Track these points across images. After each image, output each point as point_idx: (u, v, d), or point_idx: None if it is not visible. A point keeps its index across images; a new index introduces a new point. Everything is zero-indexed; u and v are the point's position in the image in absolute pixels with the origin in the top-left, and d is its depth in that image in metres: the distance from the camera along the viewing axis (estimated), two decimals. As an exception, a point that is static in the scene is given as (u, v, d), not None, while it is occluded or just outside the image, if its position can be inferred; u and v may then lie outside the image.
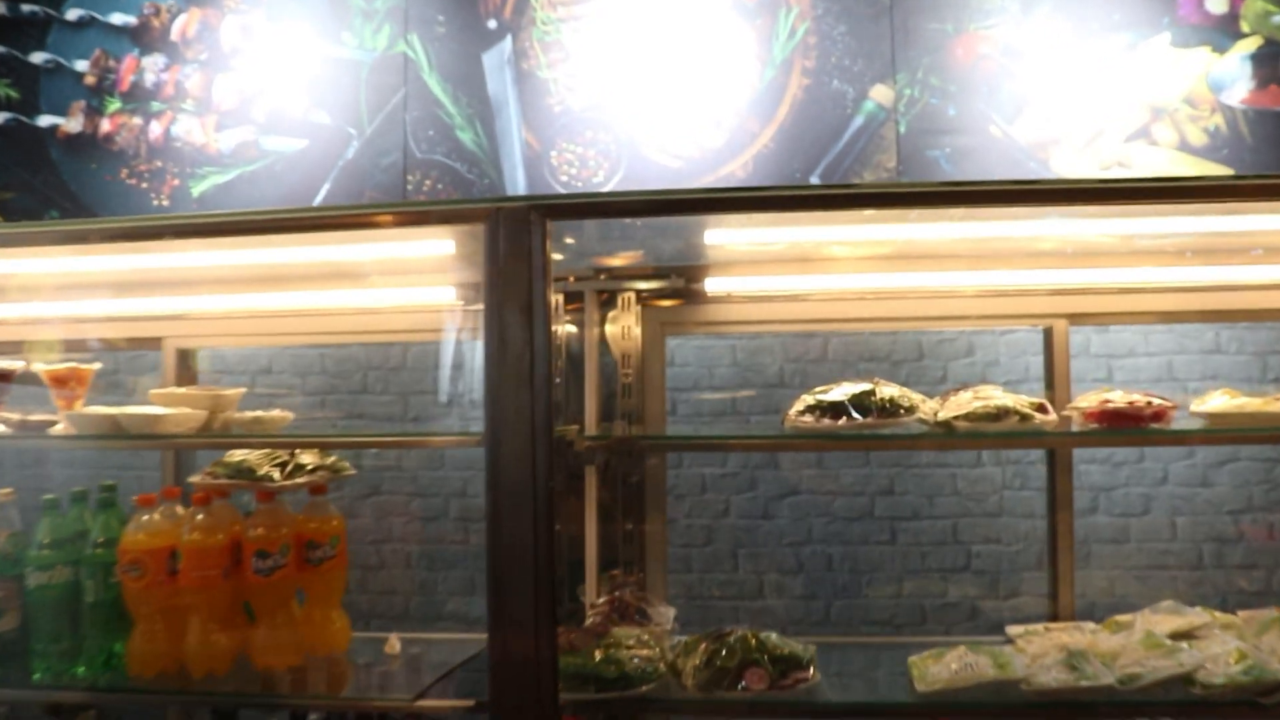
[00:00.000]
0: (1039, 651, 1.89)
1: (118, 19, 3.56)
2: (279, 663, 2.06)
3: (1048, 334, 2.26)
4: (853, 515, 3.28)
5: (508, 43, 3.35)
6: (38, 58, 3.55)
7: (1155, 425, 1.81)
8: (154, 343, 2.57)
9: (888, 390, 1.85)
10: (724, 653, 1.82)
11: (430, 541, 3.37)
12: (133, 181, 3.53)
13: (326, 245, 1.98)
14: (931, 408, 1.92)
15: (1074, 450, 2.38)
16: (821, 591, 3.28)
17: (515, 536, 1.65)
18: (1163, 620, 1.99)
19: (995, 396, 1.90)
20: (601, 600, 2.15)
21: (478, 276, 1.74)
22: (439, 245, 1.97)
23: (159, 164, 3.53)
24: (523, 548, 1.65)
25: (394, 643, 2.20)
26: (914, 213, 1.97)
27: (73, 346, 2.49)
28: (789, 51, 3.22)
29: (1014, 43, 3.14)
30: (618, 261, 2.35)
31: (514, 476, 1.65)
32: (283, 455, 2.10)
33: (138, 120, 3.54)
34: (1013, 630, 2.14)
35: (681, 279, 2.24)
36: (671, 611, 2.17)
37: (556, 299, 2.28)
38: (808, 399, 1.90)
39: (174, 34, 3.53)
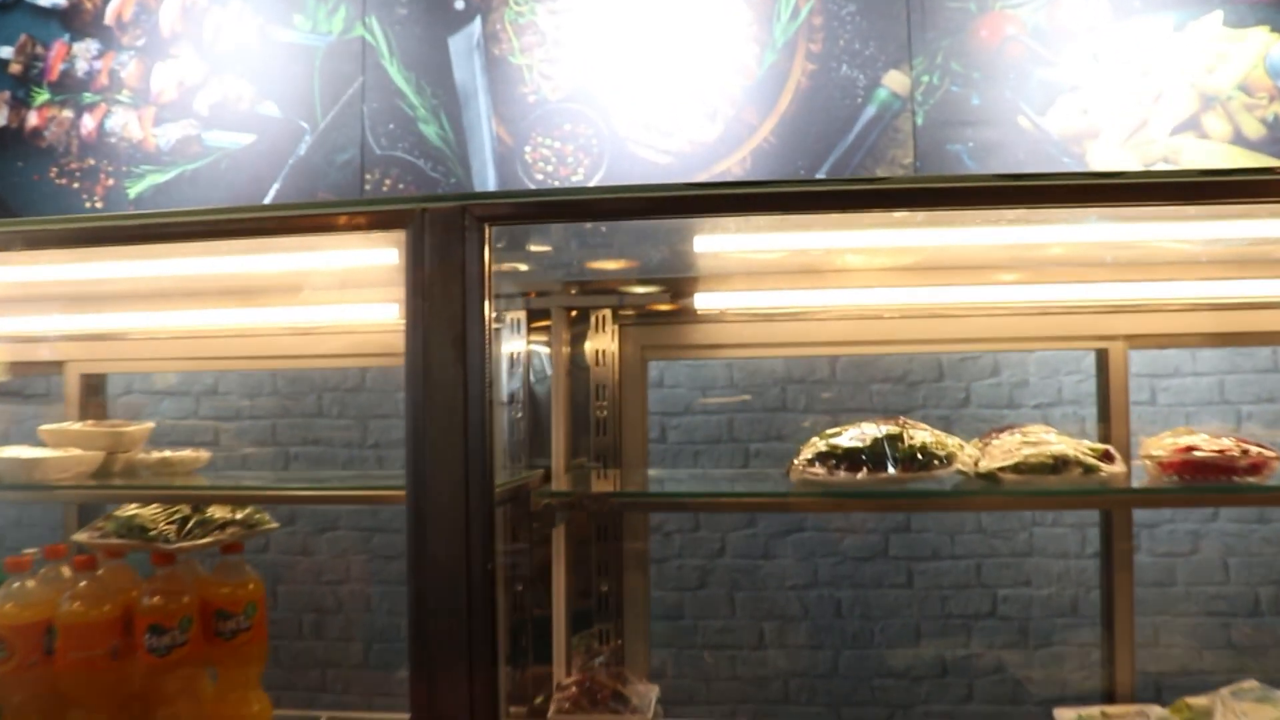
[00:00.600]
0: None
1: (45, 0, 3.20)
2: (178, 762, 1.71)
3: (1102, 358, 1.91)
4: (864, 555, 2.92)
5: (477, 25, 3.00)
6: (-45, 44, 3.20)
7: (1252, 479, 1.45)
8: (54, 367, 2.21)
9: (918, 435, 1.50)
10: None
11: (379, 599, 3.01)
12: (63, 181, 3.18)
13: (245, 255, 1.63)
14: (971, 455, 1.57)
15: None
16: (829, 641, 2.92)
17: (443, 624, 1.29)
18: (1251, 712, 1.63)
19: (1048, 441, 1.55)
20: (570, 681, 1.79)
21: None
22: (384, 255, 1.62)
23: (92, 162, 3.17)
24: (453, 636, 1.30)
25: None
26: (943, 214, 1.62)
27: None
28: (791, 33, 2.86)
29: (1045, 23, 2.79)
30: (592, 272, 1.99)
31: (443, 549, 1.29)
32: (184, 508, 1.74)
33: (68, 114, 3.18)
34: (1063, 716, 1.78)
35: (667, 293, 1.89)
36: (654, 692, 1.81)
37: (517, 317, 1.93)
38: (818, 444, 1.55)
39: (108, 17, 3.18)
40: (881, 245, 1.86)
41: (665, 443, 2.97)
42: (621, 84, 2.90)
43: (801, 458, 1.55)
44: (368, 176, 3.02)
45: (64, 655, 1.67)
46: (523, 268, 1.86)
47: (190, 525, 1.74)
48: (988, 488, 1.48)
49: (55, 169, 3.17)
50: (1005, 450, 1.55)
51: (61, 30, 3.19)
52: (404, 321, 1.93)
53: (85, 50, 3.17)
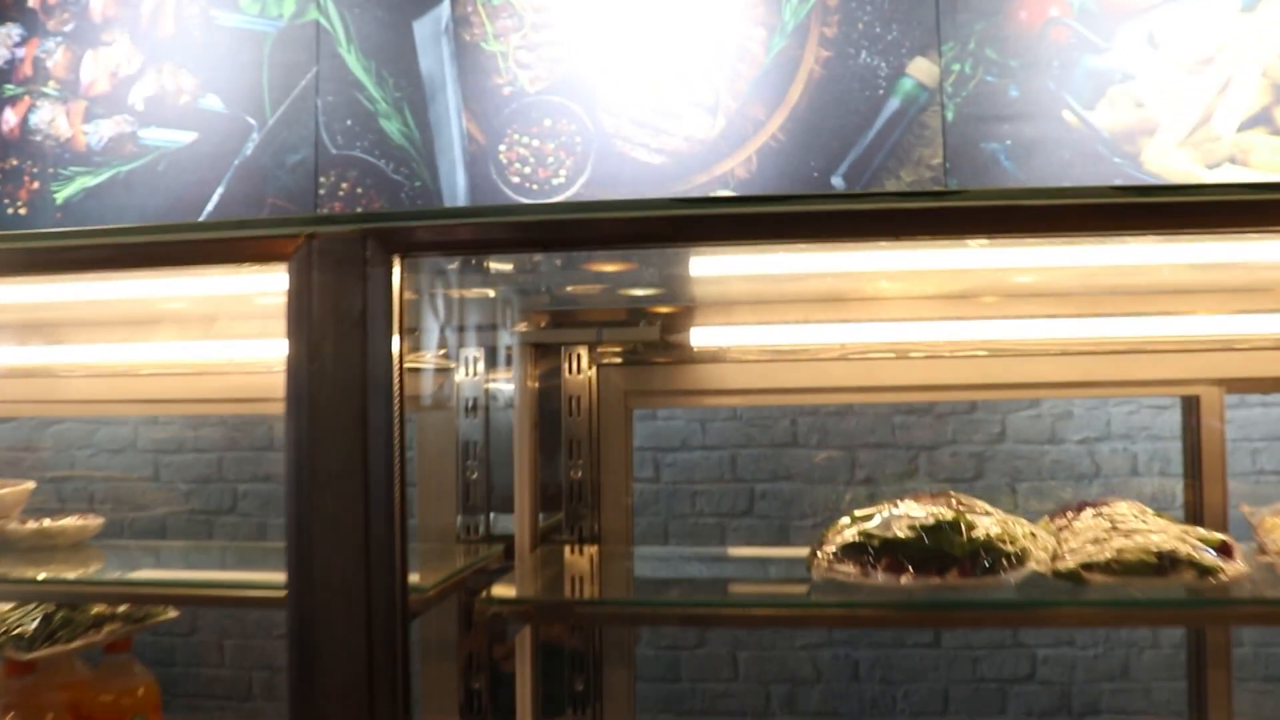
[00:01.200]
0: None
1: (-39, -19, 2.86)
2: None
3: (1190, 407, 1.55)
4: (885, 610, 2.57)
5: (445, 8, 2.65)
6: None
7: None
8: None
9: (981, 524, 1.14)
10: None
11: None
12: (-17, 185, 2.83)
13: (117, 281, 1.28)
14: (1044, 543, 1.21)
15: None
16: (845, 708, 2.57)
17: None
18: None
19: (1144, 528, 1.20)
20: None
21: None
22: (281, 280, 1.27)
23: (14, 162, 2.83)
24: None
25: None
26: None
27: None
28: (803, 15, 2.51)
29: (1094, 3, 2.44)
30: (565, 299, 1.62)
31: (336, 679, 0.94)
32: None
33: (-12, 108, 2.84)
34: None
35: (654, 326, 1.53)
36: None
37: (474, 355, 1.58)
38: (847, 532, 1.20)
39: None
40: (911, 268, 1.52)
41: (659, 482, 2.62)
42: (609, 74, 2.55)
43: (826, 549, 1.19)
44: (322, 179, 2.68)
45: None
46: (489, 293, 1.50)
47: (55, 623, 1.39)
48: (1074, 597, 1.12)
49: (-26, 171, 2.82)
50: (1088, 538, 1.20)
51: (-20, 14, 2.85)
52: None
53: (6, 36, 2.84)
